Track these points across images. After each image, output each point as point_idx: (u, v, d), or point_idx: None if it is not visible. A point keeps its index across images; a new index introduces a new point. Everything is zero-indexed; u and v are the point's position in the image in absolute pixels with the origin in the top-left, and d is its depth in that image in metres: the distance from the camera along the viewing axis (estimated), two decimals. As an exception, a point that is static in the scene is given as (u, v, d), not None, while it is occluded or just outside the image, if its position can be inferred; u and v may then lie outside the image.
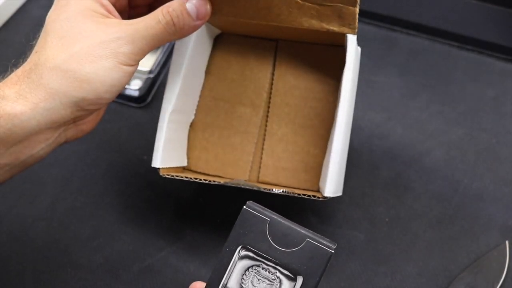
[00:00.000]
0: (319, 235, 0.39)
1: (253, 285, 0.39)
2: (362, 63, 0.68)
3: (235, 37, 0.58)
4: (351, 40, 0.50)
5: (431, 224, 0.58)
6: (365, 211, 0.59)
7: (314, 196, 0.49)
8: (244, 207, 0.39)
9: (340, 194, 0.51)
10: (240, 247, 0.39)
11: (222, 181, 0.51)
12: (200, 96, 0.57)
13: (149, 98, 0.67)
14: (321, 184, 0.51)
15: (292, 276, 0.39)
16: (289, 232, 0.39)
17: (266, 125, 0.56)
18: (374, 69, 0.67)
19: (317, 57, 0.57)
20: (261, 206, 0.40)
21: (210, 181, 0.50)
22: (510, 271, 0.55)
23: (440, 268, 0.56)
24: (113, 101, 0.68)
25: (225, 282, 0.39)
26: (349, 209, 0.59)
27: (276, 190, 0.50)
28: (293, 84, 0.56)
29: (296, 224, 0.40)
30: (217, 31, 0.58)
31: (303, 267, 0.39)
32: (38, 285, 0.55)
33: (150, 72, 0.67)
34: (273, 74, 0.57)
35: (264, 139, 0.56)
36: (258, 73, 0.57)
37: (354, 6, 0.49)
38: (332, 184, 0.48)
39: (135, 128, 0.66)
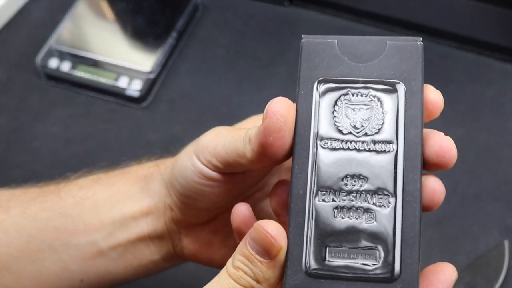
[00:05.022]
0: (396, 36, 0.33)
1: (348, 118, 0.32)
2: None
3: None
4: None
5: (431, 224, 0.58)
6: (364, 211, 0.59)
7: None
8: (302, 40, 0.33)
9: None
10: (316, 83, 0.33)
11: None
12: None
13: (149, 98, 0.68)
14: None
15: (390, 87, 0.33)
16: (364, 43, 0.33)
17: None
18: (374, 69, 0.67)
19: None
20: (318, 35, 0.34)
21: None
22: (509, 271, 0.55)
23: (439, 268, 0.56)
24: (113, 101, 0.68)
25: (316, 131, 0.32)
26: (348, 209, 0.59)
27: None
28: None
29: (367, 36, 0.34)
30: None
31: (397, 72, 0.33)
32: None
33: (150, 72, 0.67)
34: None
35: None
36: None
37: None
38: None
39: (135, 128, 0.66)
